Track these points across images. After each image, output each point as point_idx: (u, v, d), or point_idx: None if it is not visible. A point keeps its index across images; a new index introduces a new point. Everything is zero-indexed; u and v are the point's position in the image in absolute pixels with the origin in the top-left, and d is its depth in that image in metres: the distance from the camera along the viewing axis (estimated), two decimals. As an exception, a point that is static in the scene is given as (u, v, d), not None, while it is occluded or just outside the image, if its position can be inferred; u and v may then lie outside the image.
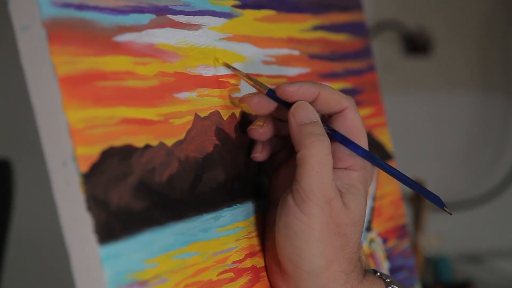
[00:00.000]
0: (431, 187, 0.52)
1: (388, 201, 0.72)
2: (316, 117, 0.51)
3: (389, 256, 0.70)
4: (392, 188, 0.73)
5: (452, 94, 1.59)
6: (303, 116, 0.50)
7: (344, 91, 0.68)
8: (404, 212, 0.75)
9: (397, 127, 1.06)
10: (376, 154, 0.71)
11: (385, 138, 0.74)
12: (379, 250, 0.69)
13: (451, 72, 1.59)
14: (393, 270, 0.70)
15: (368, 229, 0.68)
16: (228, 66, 0.53)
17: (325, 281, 0.50)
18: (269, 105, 0.52)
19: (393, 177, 0.53)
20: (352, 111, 0.52)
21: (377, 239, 0.69)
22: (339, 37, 0.70)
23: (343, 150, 0.52)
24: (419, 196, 1.31)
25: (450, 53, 1.58)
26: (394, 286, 0.53)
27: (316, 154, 0.48)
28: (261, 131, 0.53)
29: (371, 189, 0.69)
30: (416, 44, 1.54)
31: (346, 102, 0.52)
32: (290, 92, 0.51)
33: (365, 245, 0.67)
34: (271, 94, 0.52)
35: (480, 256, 1.56)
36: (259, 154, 0.54)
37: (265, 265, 0.53)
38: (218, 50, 0.54)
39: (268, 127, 0.53)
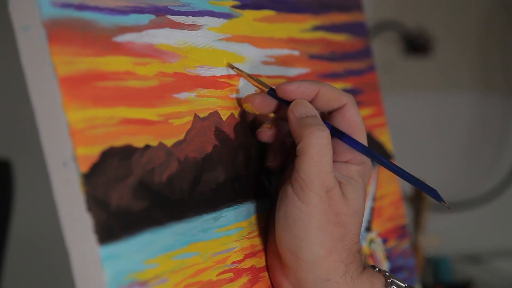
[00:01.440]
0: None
1: (388, 202, 0.72)
2: (315, 112, 0.51)
3: (389, 257, 0.70)
4: (392, 188, 0.73)
5: (452, 94, 1.59)
6: (302, 112, 0.51)
7: (344, 91, 0.68)
8: (404, 212, 0.75)
9: (397, 127, 1.06)
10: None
11: (385, 138, 0.74)
12: (379, 251, 0.69)
13: (451, 72, 1.59)
14: (393, 270, 0.70)
15: (368, 229, 0.68)
16: (231, 66, 0.54)
17: (325, 272, 0.50)
18: (271, 104, 0.53)
19: (392, 172, 0.53)
20: (352, 107, 0.53)
21: (377, 239, 0.69)
22: (339, 37, 0.70)
23: (342, 145, 0.52)
24: (419, 196, 1.31)
25: (450, 53, 1.58)
26: (394, 279, 0.53)
27: (315, 144, 0.49)
28: (270, 133, 0.53)
29: (371, 189, 0.69)
30: (416, 44, 1.54)
31: (345, 98, 0.53)
32: (290, 90, 0.52)
33: (365, 246, 0.67)
34: (272, 93, 0.53)
35: (480, 256, 1.56)
36: (274, 163, 0.55)
37: (266, 261, 0.53)
38: (220, 51, 0.54)
39: (276, 129, 0.53)
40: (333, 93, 0.53)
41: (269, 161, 0.55)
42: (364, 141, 0.53)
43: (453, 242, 1.52)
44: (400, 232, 0.73)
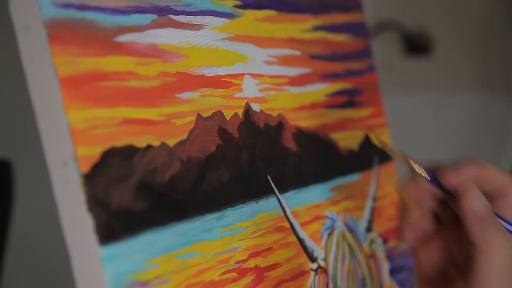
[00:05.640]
0: (431, 187, 0.52)
1: (388, 202, 0.72)
2: (490, 207, 0.48)
3: (390, 257, 0.70)
4: (392, 188, 0.73)
5: (453, 95, 1.59)
6: (479, 206, 0.47)
7: (344, 91, 0.68)
8: (405, 212, 0.75)
9: (397, 127, 1.05)
10: (377, 155, 0.71)
11: (385, 138, 0.74)
12: (380, 251, 0.69)
13: (451, 73, 1.59)
14: (393, 270, 0.70)
15: (369, 229, 0.68)
16: (383, 145, 0.51)
17: None
18: (431, 195, 0.50)
19: None
20: None
21: (377, 239, 0.69)
22: (340, 38, 0.70)
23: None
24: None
25: (450, 53, 1.58)
26: None
27: (502, 253, 0.46)
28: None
29: (371, 189, 0.69)
30: (416, 45, 1.54)
31: (510, 184, 0.49)
32: (457, 178, 0.49)
33: (365, 246, 0.67)
34: (434, 180, 0.49)
35: (480, 256, 1.56)
36: (411, 236, 0.52)
37: None
38: (223, 50, 0.54)
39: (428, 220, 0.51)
40: (498, 176, 0.49)
41: (405, 237, 0.52)
42: None
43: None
44: (401, 232, 0.73)
